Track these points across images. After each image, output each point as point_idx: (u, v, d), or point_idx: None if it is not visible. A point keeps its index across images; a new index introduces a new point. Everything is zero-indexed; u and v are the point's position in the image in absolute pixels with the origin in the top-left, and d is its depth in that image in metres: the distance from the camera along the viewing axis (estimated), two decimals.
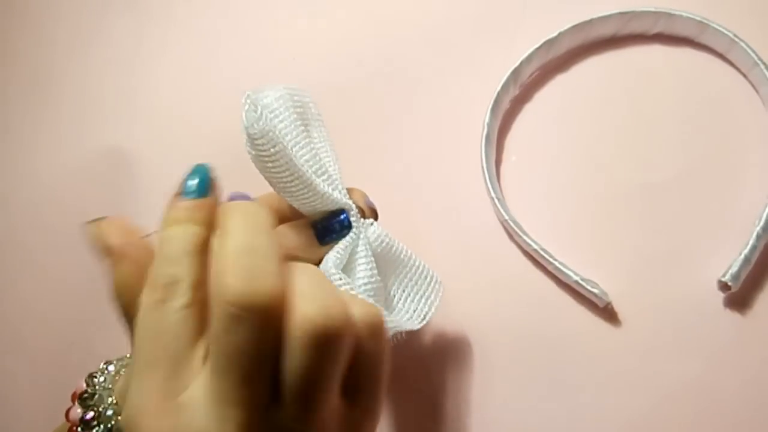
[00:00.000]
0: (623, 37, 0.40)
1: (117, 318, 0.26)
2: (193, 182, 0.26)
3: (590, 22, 0.39)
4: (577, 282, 0.35)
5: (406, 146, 0.42)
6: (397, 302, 0.33)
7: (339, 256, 0.30)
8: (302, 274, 0.23)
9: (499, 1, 0.43)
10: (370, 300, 0.30)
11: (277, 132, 0.28)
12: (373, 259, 0.31)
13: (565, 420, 0.34)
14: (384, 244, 0.32)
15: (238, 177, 0.45)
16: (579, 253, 0.37)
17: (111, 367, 0.33)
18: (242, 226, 0.23)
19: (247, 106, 0.28)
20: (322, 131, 0.33)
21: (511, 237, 0.38)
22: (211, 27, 0.51)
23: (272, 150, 0.28)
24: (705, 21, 0.38)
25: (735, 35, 0.37)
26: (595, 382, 0.35)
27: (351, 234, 0.31)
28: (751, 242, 0.33)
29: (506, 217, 0.37)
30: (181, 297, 0.23)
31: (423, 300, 0.33)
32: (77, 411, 0.30)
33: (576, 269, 0.35)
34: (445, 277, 0.36)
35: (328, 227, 0.31)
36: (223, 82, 0.49)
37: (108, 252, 0.26)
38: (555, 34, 0.39)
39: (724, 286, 0.33)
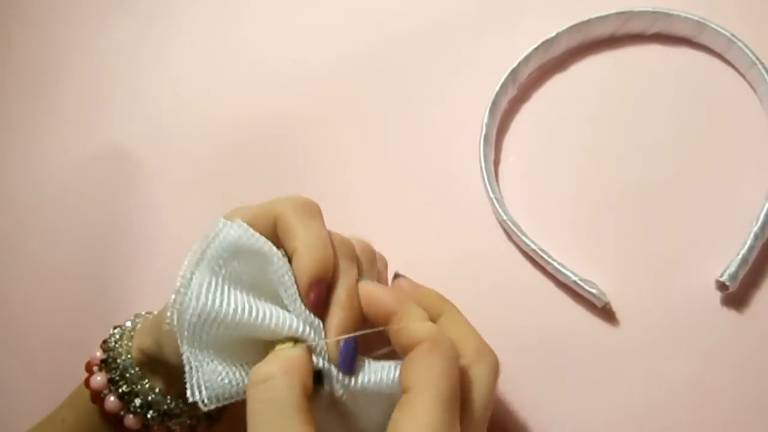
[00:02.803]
0: (621, 37, 0.40)
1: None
2: None
3: (588, 22, 0.39)
4: (575, 282, 0.35)
5: (404, 147, 0.42)
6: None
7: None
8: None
9: (497, 1, 0.43)
10: None
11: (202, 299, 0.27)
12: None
13: (563, 419, 0.35)
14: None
15: (238, 177, 0.46)
16: (577, 253, 0.37)
17: (128, 323, 0.36)
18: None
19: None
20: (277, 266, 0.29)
21: (509, 237, 0.38)
22: (211, 28, 0.51)
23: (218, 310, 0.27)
24: (703, 21, 0.38)
25: (733, 35, 0.37)
26: (593, 382, 0.35)
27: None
28: (748, 242, 0.33)
29: (505, 217, 0.37)
30: None
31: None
32: (97, 378, 0.33)
33: (574, 269, 0.36)
34: (443, 276, 0.36)
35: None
36: (223, 82, 0.49)
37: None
38: (553, 34, 0.39)
39: (721, 286, 0.34)
